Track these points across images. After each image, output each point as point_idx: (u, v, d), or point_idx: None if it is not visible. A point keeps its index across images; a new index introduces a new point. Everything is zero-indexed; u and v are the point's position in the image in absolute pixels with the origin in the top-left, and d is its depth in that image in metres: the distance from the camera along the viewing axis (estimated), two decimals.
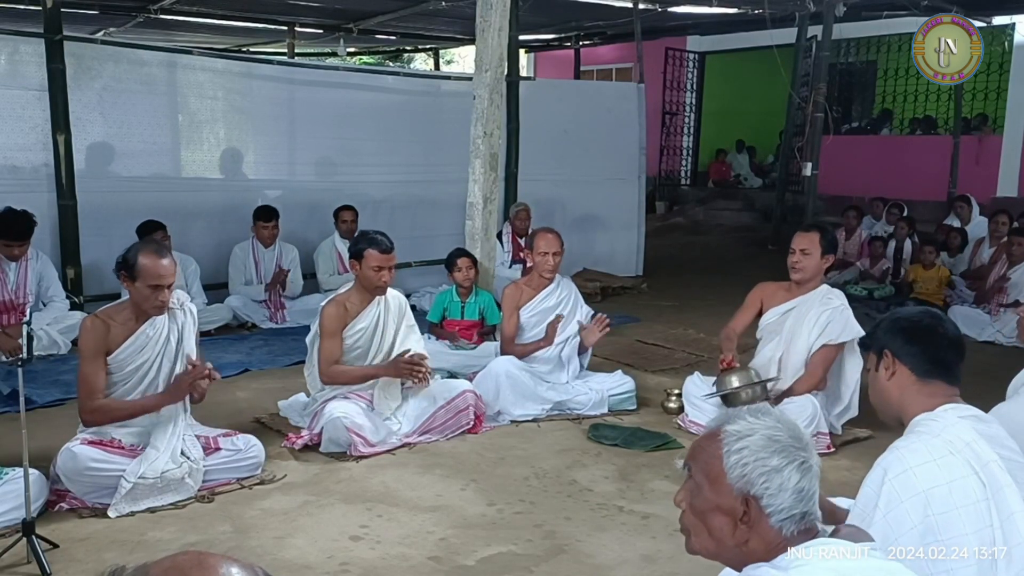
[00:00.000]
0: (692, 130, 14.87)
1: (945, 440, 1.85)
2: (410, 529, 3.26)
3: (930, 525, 1.76)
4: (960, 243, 8.38)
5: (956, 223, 8.98)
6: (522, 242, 7.57)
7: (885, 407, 2.09)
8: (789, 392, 4.27)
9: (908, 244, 8.60)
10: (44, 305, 5.64)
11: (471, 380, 4.57)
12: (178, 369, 3.54)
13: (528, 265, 5.12)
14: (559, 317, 4.74)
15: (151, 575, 0.95)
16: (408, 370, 4.11)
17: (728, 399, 4.16)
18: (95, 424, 3.45)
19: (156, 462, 3.36)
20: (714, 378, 4.37)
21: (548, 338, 4.72)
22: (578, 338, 4.81)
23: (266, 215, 6.68)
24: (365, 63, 15.34)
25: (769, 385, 4.25)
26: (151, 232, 5.88)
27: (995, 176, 11.53)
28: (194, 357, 3.61)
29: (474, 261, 5.38)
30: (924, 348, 1.99)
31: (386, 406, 4.21)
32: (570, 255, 4.93)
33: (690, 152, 14.97)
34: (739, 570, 1.50)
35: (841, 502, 2.17)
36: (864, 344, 2.18)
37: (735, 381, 4.15)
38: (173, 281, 3.43)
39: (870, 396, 2.15)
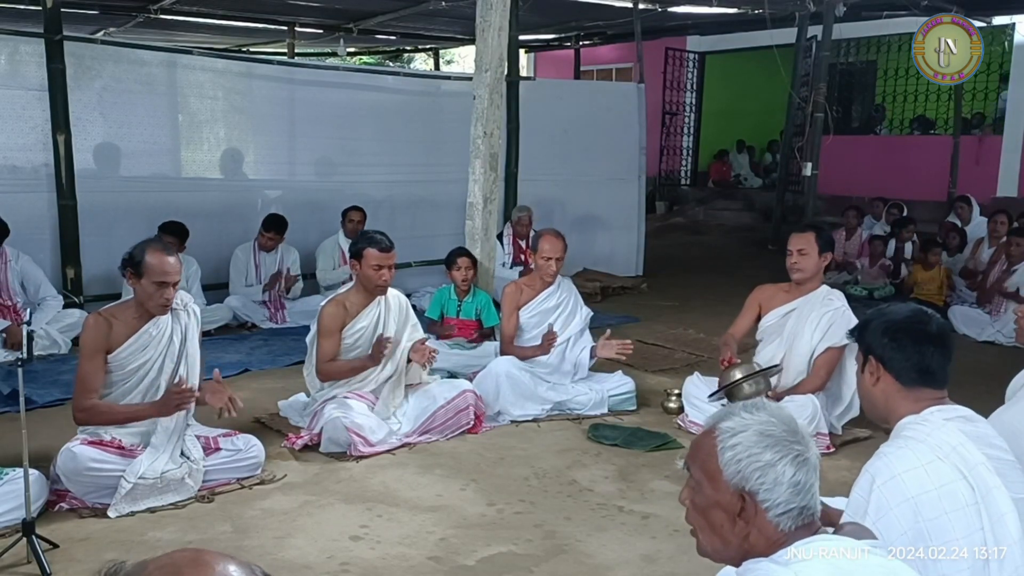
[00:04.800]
0: (692, 130, 14.87)
1: (932, 445, 1.84)
2: (410, 529, 3.26)
3: (920, 531, 1.76)
4: (959, 243, 8.39)
5: (956, 223, 8.99)
6: (523, 244, 7.58)
7: (871, 409, 2.09)
8: (791, 392, 4.26)
9: (908, 245, 8.61)
10: (38, 305, 5.63)
11: (471, 380, 4.57)
12: (181, 371, 3.54)
13: (530, 267, 5.11)
14: (553, 332, 4.70)
15: (148, 571, 0.95)
16: (379, 350, 4.07)
17: (732, 394, 4.16)
18: (85, 424, 3.45)
19: (156, 462, 3.37)
20: (714, 378, 4.37)
21: (543, 348, 4.70)
22: (582, 339, 4.82)
23: (267, 224, 6.65)
24: (365, 63, 15.35)
25: (773, 380, 4.24)
26: (169, 234, 5.91)
27: (995, 176, 11.53)
28: (198, 357, 3.61)
29: (474, 262, 5.38)
30: (910, 356, 1.96)
31: (389, 406, 4.21)
32: (570, 255, 4.92)
33: (690, 152, 14.97)
34: (739, 567, 1.51)
35: (839, 502, 2.17)
36: (851, 334, 2.15)
37: (737, 374, 4.15)
38: (179, 280, 3.44)
39: (858, 394, 2.13)
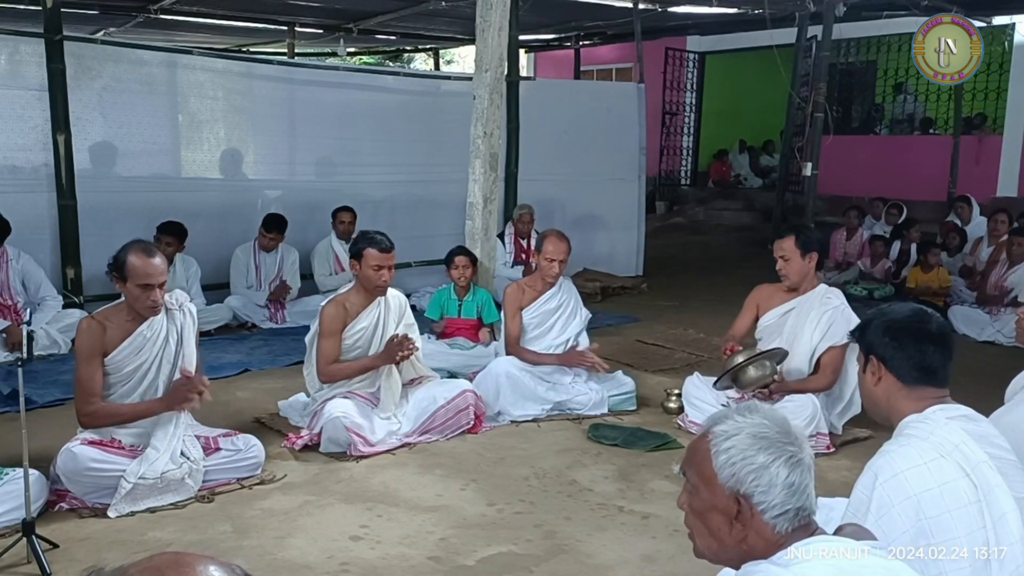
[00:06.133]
0: (692, 130, 14.86)
1: (935, 443, 1.84)
2: (410, 529, 3.26)
3: (922, 529, 1.76)
4: (959, 243, 8.38)
5: (957, 223, 8.98)
6: (524, 243, 7.58)
7: (874, 409, 2.09)
8: (797, 389, 4.26)
9: (913, 248, 8.58)
10: (38, 305, 5.63)
11: (471, 380, 4.57)
12: (178, 371, 3.54)
13: (533, 265, 5.11)
14: (585, 353, 4.69)
15: None
16: (397, 350, 4.09)
17: (738, 379, 4.15)
18: (91, 427, 3.45)
19: (156, 462, 3.36)
20: (714, 378, 4.37)
21: (567, 360, 4.70)
22: (579, 341, 4.82)
23: (268, 225, 6.66)
24: (365, 63, 15.34)
25: (778, 368, 4.23)
26: (167, 234, 5.92)
27: (995, 176, 11.52)
28: (195, 358, 3.61)
29: (473, 260, 5.38)
30: (911, 355, 1.96)
31: (392, 400, 4.21)
32: (571, 255, 4.93)
33: (690, 152, 14.97)
34: (739, 569, 1.51)
35: (839, 503, 2.17)
36: (852, 335, 2.15)
37: (740, 359, 4.15)
38: (164, 280, 3.41)
39: (860, 395, 2.13)
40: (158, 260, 3.37)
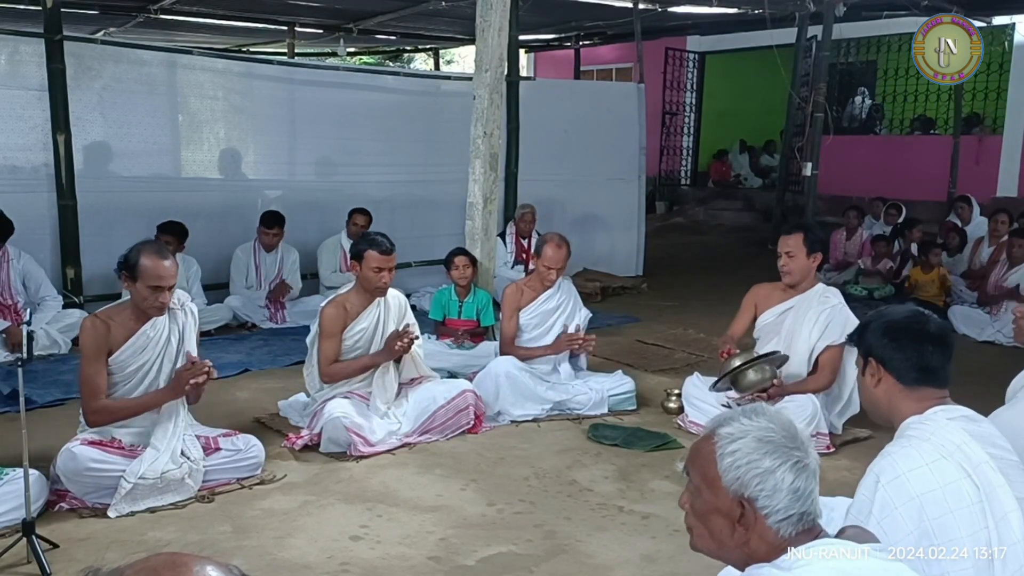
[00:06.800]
0: (692, 130, 14.86)
1: (936, 444, 1.84)
2: (410, 529, 3.26)
3: (925, 530, 1.76)
4: (959, 243, 8.38)
5: (957, 223, 8.98)
6: (525, 243, 7.57)
7: (874, 410, 2.09)
8: (796, 390, 4.25)
9: (913, 247, 8.57)
10: (37, 305, 5.63)
11: (471, 380, 4.57)
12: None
13: (531, 268, 5.12)
14: (570, 332, 4.71)
15: None
16: (396, 343, 4.09)
17: (737, 382, 4.15)
18: (99, 425, 3.45)
19: (156, 462, 3.36)
20: (714, 379, 4.36)
21: (556, 347, 4.71)
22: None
23: (268, 221, 6.66)
24: (365, 63, 15.34)
25: (778, 372, 4.22)
26: (167, 233, 5.93)
27: (995, 176, 11.52)
28: (194, 356, 3.61)
29: (473, 261, 5.38)
30: (910, 356, 1.96)
31: (383, 399, 4.20)
32: (571, 255, 4.93)
33: (690, 152, 14.97)
34: (742, 570, 1.51)
35: (839, 502, 2.17)
36: (851, 338, 2.15)
37: (737, 362, 4.14)
38: (174, 283, 3.42)
39: (860, 398, 2.13)
40: (169, 263, 3.38)
